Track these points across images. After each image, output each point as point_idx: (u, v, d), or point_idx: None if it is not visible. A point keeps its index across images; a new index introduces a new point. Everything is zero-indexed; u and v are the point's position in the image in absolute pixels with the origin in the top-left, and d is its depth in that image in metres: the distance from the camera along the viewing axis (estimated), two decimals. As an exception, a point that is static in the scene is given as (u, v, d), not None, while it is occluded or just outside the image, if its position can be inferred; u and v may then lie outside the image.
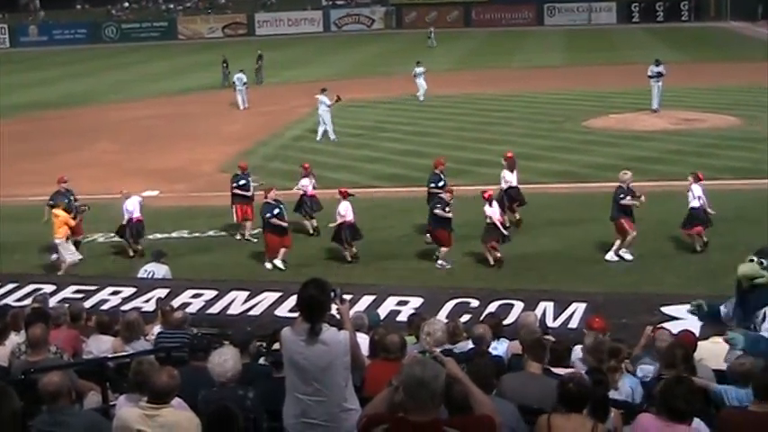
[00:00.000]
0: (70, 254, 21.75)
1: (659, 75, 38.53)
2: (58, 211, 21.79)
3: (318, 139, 36.03)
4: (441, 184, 22.83)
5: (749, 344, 9.36)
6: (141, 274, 19.28)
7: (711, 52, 59.95)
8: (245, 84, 45.28)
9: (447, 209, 21.11)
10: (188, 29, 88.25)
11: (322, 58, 67.04)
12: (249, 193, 23.97)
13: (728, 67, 50.30)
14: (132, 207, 23.08)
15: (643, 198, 21.12)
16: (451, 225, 21.32)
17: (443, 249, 21.41)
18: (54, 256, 22.08)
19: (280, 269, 21.45)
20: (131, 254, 23.03)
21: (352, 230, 21.88)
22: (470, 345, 10.86)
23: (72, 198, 23.04)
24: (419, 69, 45.47)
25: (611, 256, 20.93)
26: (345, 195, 22.08)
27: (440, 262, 21.31)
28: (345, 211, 21.73)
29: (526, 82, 49.95)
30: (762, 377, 7.82)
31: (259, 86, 51.45)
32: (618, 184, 21.26)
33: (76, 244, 22.74)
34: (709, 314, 10.34)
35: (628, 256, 20.99)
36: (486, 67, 57.81)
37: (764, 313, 9.50)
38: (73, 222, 21.90)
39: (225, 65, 53.32)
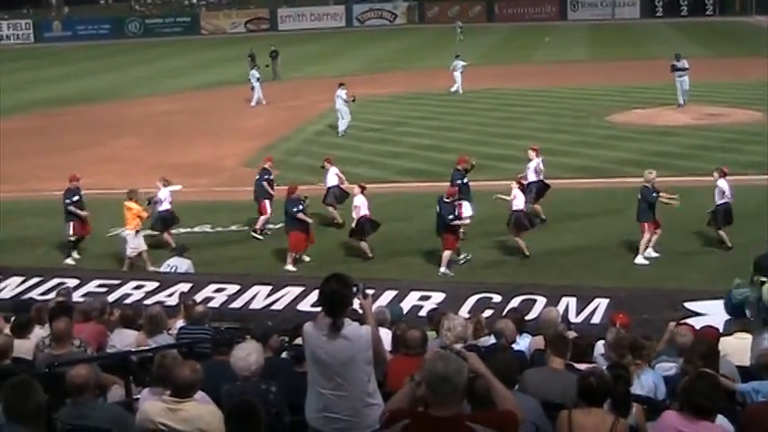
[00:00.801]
0: (133, 248, 21.61)
1: (681, 69, 38.26)
2: (132, 204, 21.72)
3: (340, 134, 36.05)
4: (465, 181, 22.77)
5: None
6: (164, 268, 19.38)
7: (736, 47, 59.57)
8: (258, 79, 45.17)
9: (450, 216, 20.61)
10: (211, 24, 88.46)
11: (344, 53, 67.05)
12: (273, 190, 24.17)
13: (753, 61, 49.94)
14: (164, 197, 23.03)
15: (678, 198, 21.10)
16: (456, 230, 21.01)
17: (445, 253, 20.80)
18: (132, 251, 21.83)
19: (302, 262, 21.57)
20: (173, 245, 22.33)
21: (372, 224, 21.87)
22: (492, 340, 10.86)
23: (80, 196, 22.90)
24: (460, 63, 45.70)
25: (640, 260, 20.70)
26: (363, 189, 22.12)
27: (442, 270, 20.66)
28: (361, 204, 21.71)
29: (549, 77, 49.82)
30: None
31: (276, 82, 51.57)
32: (643, 183, 21.06)
33: (79, 241, 22.85)
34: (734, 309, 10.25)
35: (654, 254, 20.85)
36: (509, 62, 57.67)
37: None
38: (145, 215, 21.87)
39: (251, 58, 53.52)
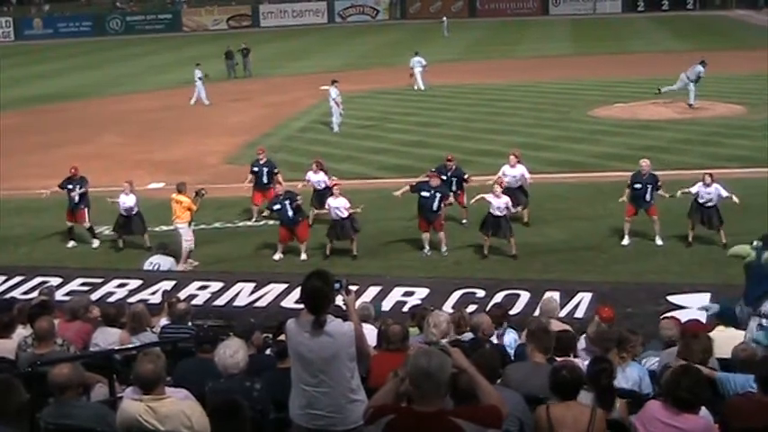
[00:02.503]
0: (188, 241, 21.65)
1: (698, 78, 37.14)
2: (181, 197, 21.64)
3: (335, 130, 35.97)
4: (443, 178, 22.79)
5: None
6: (146, 266, 19.33)
7: (716, 41, 59.77)
8: (200, 78, 44.58)
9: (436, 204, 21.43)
10: (192, 21, 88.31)
11: (326, 49, 67.00)
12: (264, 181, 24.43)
13: (734, 55, 50.19)
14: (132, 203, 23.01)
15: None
16: (426, 214, 21.47)
17: (441, 234, 21.65)
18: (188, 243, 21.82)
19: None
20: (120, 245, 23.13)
21: (353, 223, 21.87)
22: (471, 335, 10.88)
23: (77, 185, 23.22)
24: (417, 60, 45.80)
25: (660, 241, 21.20)
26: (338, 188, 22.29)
27: (444, 250, 21.52)
28: (341, 205, 21.68)
29: (531, 72, 49.90)
30: (763, 369, 7.82)
31: (248, 80, 51.64)
32: (646, 171, 21.40)
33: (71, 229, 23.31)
34: (722, 314, 10.26)
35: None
36: (492, 57, 57.73)
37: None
38: (195, 207, 21.81)
39: (227, 56, 53.69)
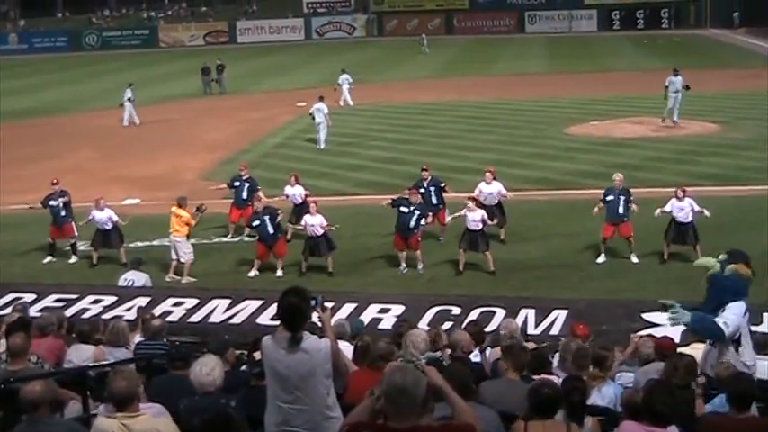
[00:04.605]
0: (187, 253, 21.75)
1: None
2: (180, 211, 21.76)
3: (323, 147, 36.00)
4: (421, 191, 22.87)
5: (695, 320, 9.39)
6: (121, 282, 19.22)
7: (691, 59, 60.13)
8: (129, 99, 44.02)
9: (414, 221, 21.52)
10: (169, 37, 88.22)
11: (303, 65, 67.04)
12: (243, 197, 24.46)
13: (708, 73, 50.56)
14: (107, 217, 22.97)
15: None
16: (402, 232, 21.56)
17: (418, 252, 21.73)
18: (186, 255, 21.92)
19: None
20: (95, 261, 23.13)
21: (328, 241, 21.87)
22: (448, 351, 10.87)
23: (58, 200, 23.30)
24: (345, 77, 46.39)
25: (635, 258, 21.37)
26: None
27: (420, 267, 21.58)
28: (317, 222, 21.69)
29: (507, 89, 50.10)
30: (734, 386, 7.86)
31: (223, 97, 51.77)
32: (618, 185, 21.70)
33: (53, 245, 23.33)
34: (695, 327, 10.26)
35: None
36: (468, 75, 57.92)
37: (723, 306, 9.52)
38: (194, 222, 21.88)
39: (203, 71, 53.70)
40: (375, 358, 9.16)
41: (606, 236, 21.42)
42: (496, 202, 23.24)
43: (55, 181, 23.81)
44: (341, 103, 45.33)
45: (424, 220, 21.64)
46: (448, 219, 22.35)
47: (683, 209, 20.95)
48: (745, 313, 9.49)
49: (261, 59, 70.04)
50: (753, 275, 9.70)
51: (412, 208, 21.45)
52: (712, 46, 70.87)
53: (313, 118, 36.03)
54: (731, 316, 9.31)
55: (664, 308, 9.73)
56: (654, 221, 21.40)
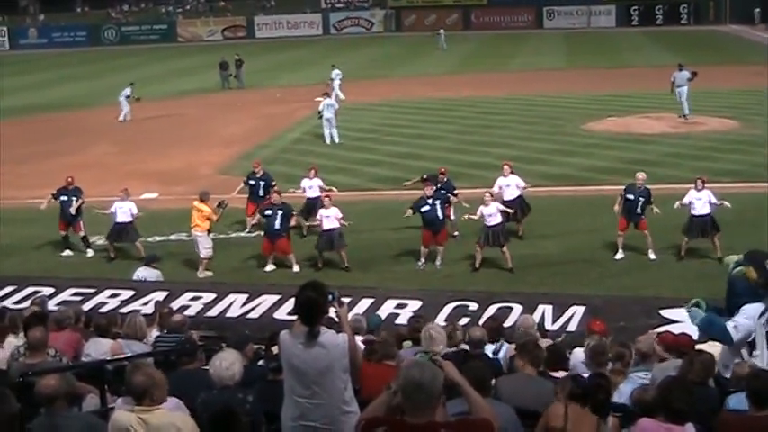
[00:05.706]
0: (207, 248, 21.76)
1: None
2: (202, 206, 21.75)
3: (334, 141, 35.95)
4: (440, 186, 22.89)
5: (704, 323, 9.34)
6: (133, 278, 19.28)
7: (710, 55, 59.86)
8: (127, 97, 43.93)
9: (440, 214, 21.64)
10: (187, 31, 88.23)
11: (321, 60, 66.93)
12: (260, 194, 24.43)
13: (727, 70, 50.32)
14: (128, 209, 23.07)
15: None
16: (432, 226, 21.58)
17: (440, 248, 21.78)
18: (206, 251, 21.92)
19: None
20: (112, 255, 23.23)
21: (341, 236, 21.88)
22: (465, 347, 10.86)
23: (69, 197, 23.41)
24: (336, 72, 46.43)
25: (653, 255, 21.30)
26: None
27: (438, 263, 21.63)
28: (333, 214, 21.72)
29: (525, 85, 49.95)
30: (754, 384, 7.78)
31: (241, 91, 51.85)
32: (641, 184, 21.64)
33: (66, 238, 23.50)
34: (709, 327, 10.18)
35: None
36: (486, 70, 57.79)
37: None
38: (215, 218, 21.89)
39: (221, 66, 53.71)
40: (377, 350, 9.17)
41: (622, 227, 21.36)
42: (516, 195, 23.19)
43: (70, 180, 23.83)
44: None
45: (450, 203, 21.87)
46: (463, 217, 22.22)
47: (700, 198, 20.93)
48: (762, 315, 9.33)
49: (279, 54, 70.03)
50: (759, 282, 9.53)
51: (431, 201, 21.39)
52: (732, 42, 70.45)
53: (321, 117, 35.99)
54: (742, 320, 9.19)
55: (697, 305, 9.65)
56: (672, 218, 21.33)
